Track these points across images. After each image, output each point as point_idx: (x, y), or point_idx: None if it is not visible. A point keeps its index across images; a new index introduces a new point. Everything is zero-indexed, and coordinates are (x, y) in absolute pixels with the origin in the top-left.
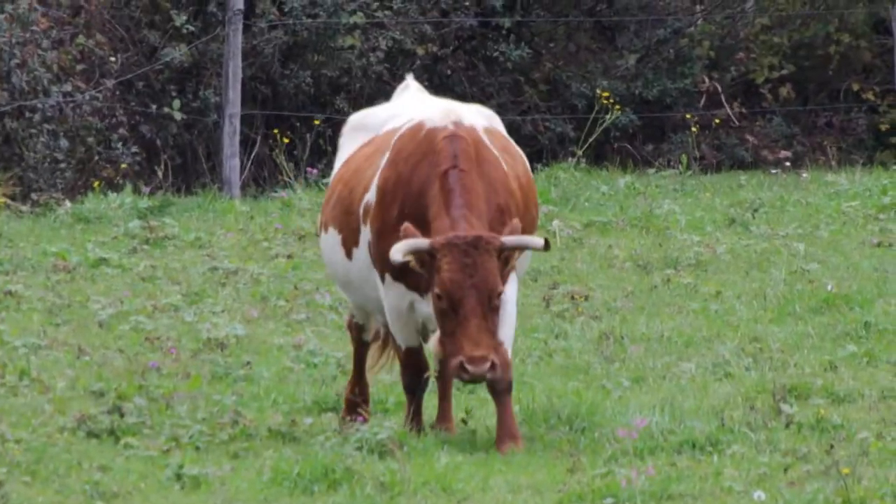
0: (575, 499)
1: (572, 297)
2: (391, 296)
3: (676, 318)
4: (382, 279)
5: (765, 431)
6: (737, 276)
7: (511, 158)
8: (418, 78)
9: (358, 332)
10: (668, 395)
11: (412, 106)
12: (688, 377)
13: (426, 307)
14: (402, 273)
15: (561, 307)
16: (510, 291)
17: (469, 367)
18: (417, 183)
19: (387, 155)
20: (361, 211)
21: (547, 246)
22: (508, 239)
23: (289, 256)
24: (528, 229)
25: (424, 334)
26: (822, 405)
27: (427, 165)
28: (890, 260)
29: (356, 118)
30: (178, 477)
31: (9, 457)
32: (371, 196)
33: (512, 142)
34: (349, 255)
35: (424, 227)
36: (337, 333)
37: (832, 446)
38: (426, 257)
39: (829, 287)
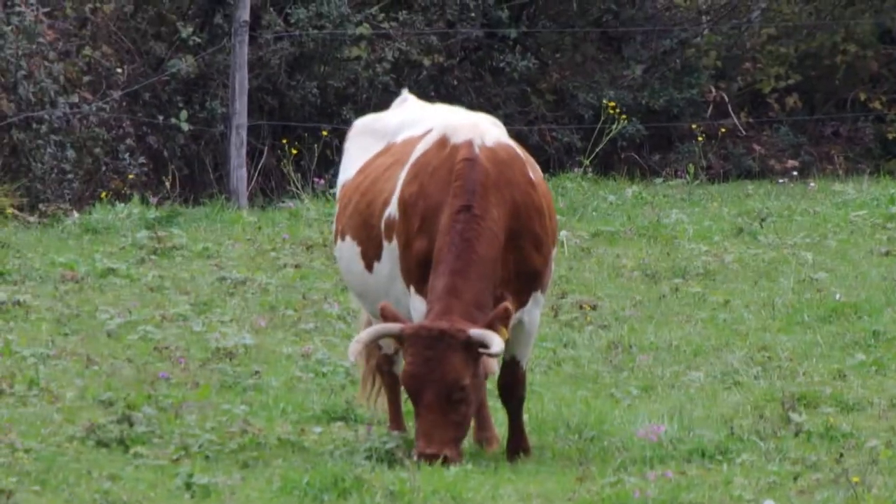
0: None
1: (581, 307)
2: (418, 308)
3: (685, 327)
4: (409, 291)
5: (774, 440)
6: (745, 285)
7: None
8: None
9: (389, 366)
10: (677, 403)
11: (429, 113)
12: (696, 386)
13: None
14: (424, 287)
15: (569, 316)
16: (535, 312)
17: (421, 461)
18: (436, 197)
19: (407, 167)
20: (383, 226)
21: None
22: (475, 332)
23: (297, 266)
24: (552, 241)
25: None
26: (831, 414)
27: (445, 185)
28: None
29: (363, 122)
30: (188, 486)
31: (18, 466)
32: (393, 210)
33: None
34: (369, 267)
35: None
36: (345, 343)
37: (842, 455)
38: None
39: (837, 296)
